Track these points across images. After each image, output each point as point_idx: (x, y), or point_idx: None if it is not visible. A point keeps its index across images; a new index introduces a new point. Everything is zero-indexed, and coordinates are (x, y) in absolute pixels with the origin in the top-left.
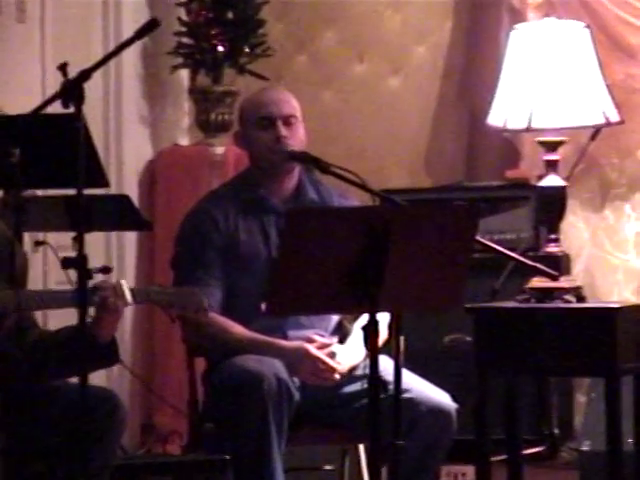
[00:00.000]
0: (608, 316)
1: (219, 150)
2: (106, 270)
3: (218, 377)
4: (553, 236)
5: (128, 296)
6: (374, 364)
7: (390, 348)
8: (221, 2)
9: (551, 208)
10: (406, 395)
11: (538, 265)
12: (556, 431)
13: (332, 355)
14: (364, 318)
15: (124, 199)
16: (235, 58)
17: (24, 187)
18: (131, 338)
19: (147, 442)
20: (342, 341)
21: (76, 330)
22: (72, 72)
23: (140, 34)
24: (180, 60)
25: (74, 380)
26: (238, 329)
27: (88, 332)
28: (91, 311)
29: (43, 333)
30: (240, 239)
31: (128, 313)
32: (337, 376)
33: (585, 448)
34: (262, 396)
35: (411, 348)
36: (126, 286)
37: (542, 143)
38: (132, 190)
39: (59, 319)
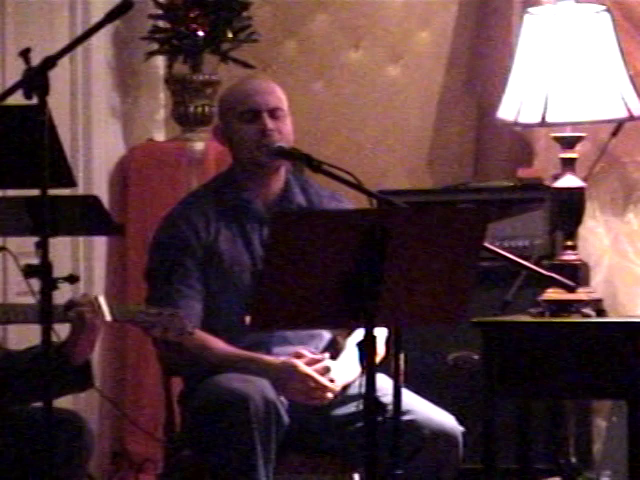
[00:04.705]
0: (631, 332)
1: (198, 146)
2: (73, 279)
3: (197, 398)
4: (570, 243)
5: (107, 313)
6: (371, 383)
7: (388, 366)
8: None
9: (568, 211)
10: (406, 417)
11: (553, 275)
12: (573, 460)
13: (325, 371)
14: (359, 334)
15: (93, 200)
16: (216, 44)
17: None
18: (100, 355)
19: (118, 471)
20: (335, 358)
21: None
22: (35, 59)
23: (111, 17)
24: (155, 46)
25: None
26: (218, 344)
27: (62, 352)
28: (66, 329)
29: (8, 352)
30: (221, 248)
31: None
32: (330, 395)
33: (605, 479)
34: (248, 419)
35: (411, 366)
36: (104, 302)
37: (558, 139)
38: (102, 190)
39: (20, 337)
